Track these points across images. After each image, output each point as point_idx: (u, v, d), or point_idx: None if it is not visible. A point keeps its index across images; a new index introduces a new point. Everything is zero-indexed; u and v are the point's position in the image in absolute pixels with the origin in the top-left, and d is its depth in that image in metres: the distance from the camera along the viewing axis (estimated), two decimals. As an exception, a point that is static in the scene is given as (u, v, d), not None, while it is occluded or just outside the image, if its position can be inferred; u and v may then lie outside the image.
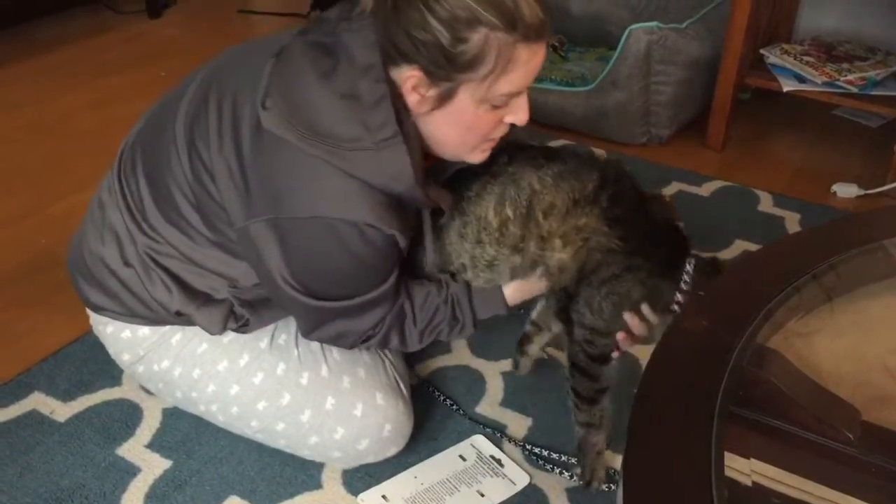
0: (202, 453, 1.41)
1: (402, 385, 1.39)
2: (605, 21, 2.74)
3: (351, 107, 1.09)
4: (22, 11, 2.93)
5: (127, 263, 1.28)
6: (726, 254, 1.92)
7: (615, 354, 1.28)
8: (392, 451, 1.37)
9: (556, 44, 2.76)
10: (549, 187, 1.23)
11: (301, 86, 1.11)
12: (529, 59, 1.11)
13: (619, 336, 1.26)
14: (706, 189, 2.19)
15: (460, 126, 1.15)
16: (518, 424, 1.48)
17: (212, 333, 1.31)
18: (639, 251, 1.19)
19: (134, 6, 3.30)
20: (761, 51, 2.40)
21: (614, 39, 2.64)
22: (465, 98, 1.11)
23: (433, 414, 1.49)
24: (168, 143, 1.24)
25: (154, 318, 1.31)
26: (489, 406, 1.52)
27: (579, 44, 2.81)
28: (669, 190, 2.17)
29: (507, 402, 1.52)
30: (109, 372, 1.54)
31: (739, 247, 1.95)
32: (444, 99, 1.11)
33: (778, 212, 2.09)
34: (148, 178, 1.27)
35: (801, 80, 2.30)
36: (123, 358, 1.38)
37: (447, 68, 1.07)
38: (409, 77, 1.09)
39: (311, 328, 1.26)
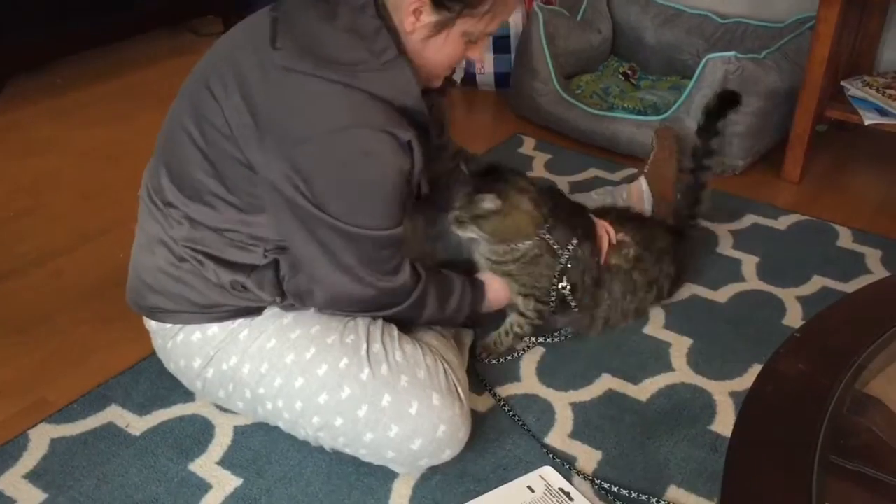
0: (272, 472, 1.42)
1: (460, 391, 1.41)
2: (680, 50, 2.72)
3: (354, 38, 1.24)
4: (108, 33, 3.03)
5: (182, 259, 1.37)
6: (804, 290, 1.87)
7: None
8: (447, 454, 1.37)
9: (629, 72, 2.74)
10: None
11: (308, 27, 1.25)
12: (514, 6, 1.34)
13: None
14: (783, 223, 2.13)
15: (441, 54, 1.32)
16: (588, 457, 1.45)
17: (268, 302, 1.39)
18: None
19: (213, 29, 3.39)
20: (842, 83, 2.35)
21: (688, 69, 2.62)
22: (458, 30, 1.29)
23: (503, 442, 1.48)
24: (179, 134, 1.35)
25: (220, 308, 1.38)
26: (558, 437, 1.50)
27: (652, 72, 2.78)
28: (744, 222, 2.13)
29: (577, 434, 1.50)
30: (183, 387, 1.56)
31: (818, 283, 1.89)
32: (440, 27, 1.28)
33: (858, 248, 2.02)
34: (169, 174, 1.38)
35: (883, 112, 2.24)
36: (195, 364, 1.42)
37: (455, 0, 1.25)
38: (414, 1, 1.24)
39: (341, 276, 1.32)
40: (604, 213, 1.77)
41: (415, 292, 1.42)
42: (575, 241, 1.61)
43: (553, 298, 1.63)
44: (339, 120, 1.23)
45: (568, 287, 1.62)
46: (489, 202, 1.51)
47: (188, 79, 1.40)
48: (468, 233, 1.56)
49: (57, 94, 2.86)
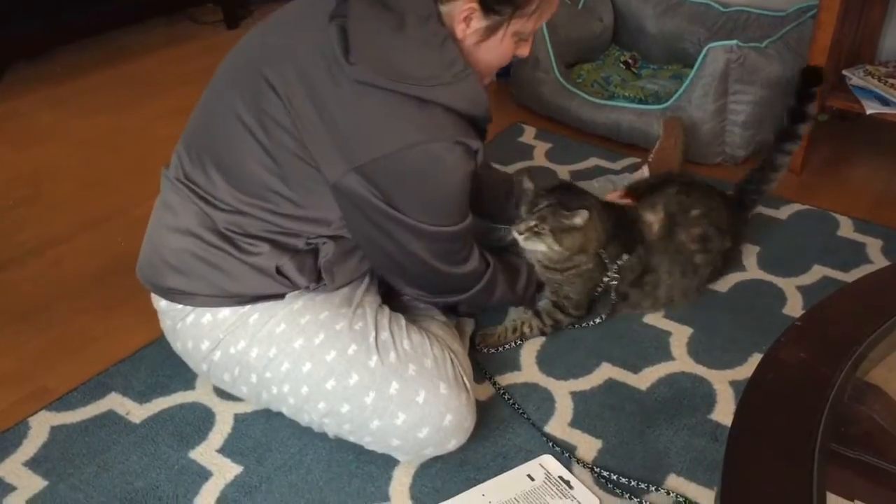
0: (272, 460, 1.43)
1: (466, 381, 1.42)
2: (681, 39, 2.71)
3: (424, 51, 1.27)
4: (107, 21, 3.02)
5: (213, 245, 1.36)
6: (805, 279, 1.87)
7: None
8: (452, 443, 1.38)
9: (630, 61, 2.73)
10: None
11: (380, 40, 1.26)
12: (557, 2, 1.36)
13: None
14: (784, 212, 2.13)
15: (493, 54, 1.35)
16: (588, 446, 1.45)
17: (301, 286, 1.39)
18: None
19: (212, 17, 3.38)
20: (844, 72, 2.33)
21: (689, 57, 2.61)
22: (510, 31, 1.33)
23: (503, 431, 1.48)
24: (234, 126, 1.33)
25: (241, 292, 1.37)
26: (559, 426, 1.50)
27: (653, 61, 2.77)
28: (745, 212, 2.13)
29: (577, 423, 1.50)
30: (184, 375, 1.57)
31: (818, 272, 1.89)
32: (491, 31, 1.32)
33: (859, 238, 2.02)
34: (219, 167, 1.36)
35: (885, 102, 2.22)
36: (202, 346, 1.41)
37: (505, 4, 1.28)
38: (465, 9, 1.28)
39: (431, 264, 1.40)
40: (666, 182, 1.77)
41: (485, 276, 1.51)
42: (625, 257, 1.63)
43: (581, 313, 1.68)
44: (415, 135, 1.27)
45: (616, 298, 1.67)
46: (580, 218, 1.54)
47: (229, 66, 1.39)
48: (538, 245, 1.58)
49: (56, 82, 2.85)
